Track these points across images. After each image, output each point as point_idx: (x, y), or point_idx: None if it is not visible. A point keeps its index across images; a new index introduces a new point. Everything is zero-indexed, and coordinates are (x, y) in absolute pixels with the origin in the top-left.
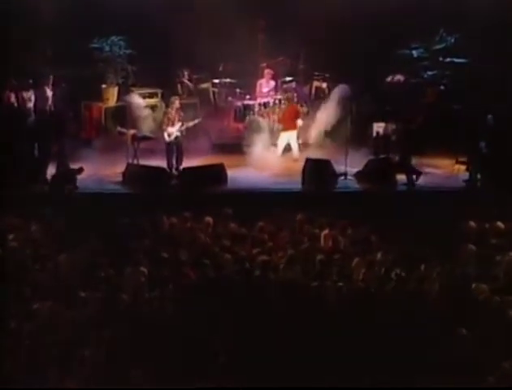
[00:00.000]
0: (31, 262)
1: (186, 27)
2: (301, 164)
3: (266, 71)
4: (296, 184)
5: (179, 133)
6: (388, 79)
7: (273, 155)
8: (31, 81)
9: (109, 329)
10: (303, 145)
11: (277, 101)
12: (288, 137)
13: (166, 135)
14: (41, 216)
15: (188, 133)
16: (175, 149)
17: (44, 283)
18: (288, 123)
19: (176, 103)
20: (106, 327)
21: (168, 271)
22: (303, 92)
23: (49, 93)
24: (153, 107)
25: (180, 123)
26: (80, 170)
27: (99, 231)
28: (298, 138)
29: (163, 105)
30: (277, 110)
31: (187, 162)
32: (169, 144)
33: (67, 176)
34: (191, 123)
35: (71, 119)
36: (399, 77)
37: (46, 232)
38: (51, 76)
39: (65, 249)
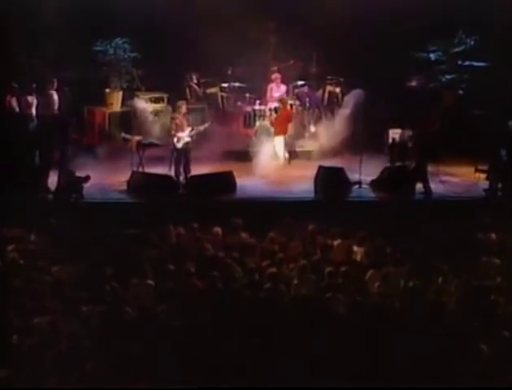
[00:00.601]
0: (32, 274)
1: (193, 29)
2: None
3: (277, 74)
4: (299, 192)
5: (189, 138)
6: (405, 83)
7: (277, 162)
8: (33, 85)
9: (113, 344)
10: (320, 153)
11: (289, 107)
12: (277, 142)
13: (175, 140)
14: (43, 226)
15: (196, 139)
16: (182, 156)
17: (45, 296)
18: (280, 128)
19: (183, 108)
20: (111, 341)
21: (175, 284)
22: (316, 97)
23: (52, 97)
24: (159, 112)
25: (189, 128)
26: (87, 178)
27: (103, 242)
28: (286, 144)
29: (170, 110)
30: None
31: (194, 170)
32: (178, 150)
33: (73, 185)
34: (201, 128)
35: (74, 125)
36: (416, 81)
37: (48, 243)
38: (55, 80)
39: (68, 260)
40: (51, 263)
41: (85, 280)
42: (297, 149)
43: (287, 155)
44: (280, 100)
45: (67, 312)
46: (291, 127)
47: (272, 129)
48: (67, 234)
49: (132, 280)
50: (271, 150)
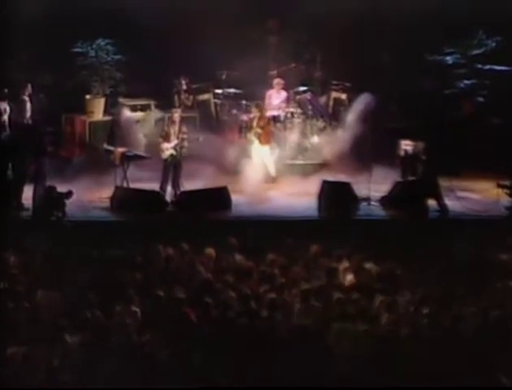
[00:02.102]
0: (6, 300)
1: (184, 28)
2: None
3: (277, 79)
4: (301, 210)
5: (174, 151)
6: (418, 89)
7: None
8: (5, 90)
9: (95, 377)
10: (324, 166)
11: (289, 115)
12: (262, 153)
13: (160, 151)
14: (18, 247)
15: (182, 152)
16: (171, 170)
17: (21, 325)
18: (265, 137)
19: (174, 116)
20: (93, 374)
21: (164, 311)
22: (319, 104)
23: (26, 104)
24: (145, 121)
25: (176, 140)
26: (70, 194)
27: (83, 266)
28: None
29: (157, 118)
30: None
31: (185, 185)
32: (164, 162)
33: (55, 201)
34: (185, 143)
35: (51, 135)
36: (431, 87)
37: (24, 266)
38: (29, 85)
39: (45, 285)
40: (28, 288)
41: (64, 307)
42: (299, 162)
43: (273, 169)
44: (256, 105)
45: (45, 341)
46: (278, 138)
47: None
48: (44, 256)
49: (115, 307)
50: (263, 164)
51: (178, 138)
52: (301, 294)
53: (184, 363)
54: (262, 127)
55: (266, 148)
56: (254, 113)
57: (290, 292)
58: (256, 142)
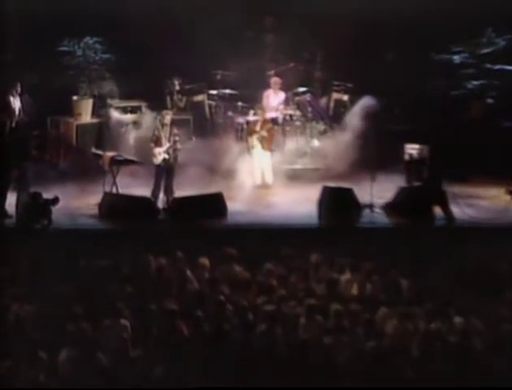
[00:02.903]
0: None
1: (177, 26)
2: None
3: (275, 80)
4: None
5: (166, 155)
6: (424, 90)
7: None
8: None
9: None
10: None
11: (288, 118)
12: (263, 159)
13: (152, 156)
14: (0, 257)
15: (175, 156)
16: (163, 175)
17: (4, 339)
18: (268, 142)
19: (166, 118)
20: None
21: (155, 325)
22: (319, 105)
23: (10, 105)
24: (135, 124)
25: (168, 143)
26: (56, 200)
27: (71, 276)
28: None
29: (148, 120)
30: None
31: (178, 191)
32: (156, 167)
33: (40, 208)
34: (179, 146)
35: (36, 138)
36: (437, 88)
37: (7, 277)
38: (18, 84)
39: (30, 297)
40: (11, 300)
41: (50, 320)
42: (298, 167)
43: (270, 176)
44: (260, 108)
45: (29, 357)
46: (276, 142)
47: (259, 145)
48: (29, 266)
49: (104, 321)
50: (260, 169)
51: (170, 141)
52: (301, 306)
53: (177, 380)
54: (267, 131)
55: (267, 153)
56: (258, 116)
57: (289, 304)
58: (258, 147)
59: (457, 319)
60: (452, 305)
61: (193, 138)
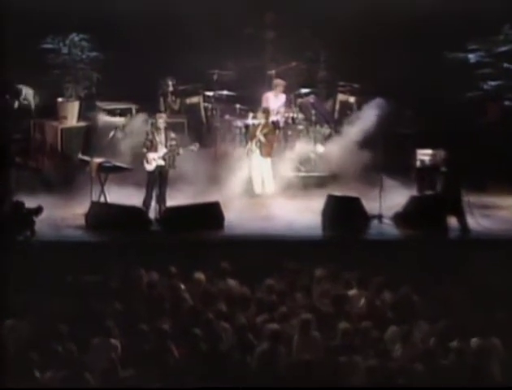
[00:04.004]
0: None
1: (170, 22)
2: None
3: (276, 80)
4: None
5: (162, 161)
6: (437, 91)
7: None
8: None
9: None
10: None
11: (290, 121)
12: (262, 166)
13: (145, 162)
14: None
15: (172, 163)
16: (156, 183)
17: None
18: (267, 149)
19: (160, 122)
20: None
21: (147, 345)
22: (324, 108)
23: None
24: (126, 128)
25: (165, 149)
26: (39, 210)
27: (56, 292)
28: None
29: (139, 124)
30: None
31: (171, 200)
32: (149, 174)
33: (23, 218)
34: (180, 151)
35: (18, 143)
36: (450, 89)
37: None
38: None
39: (12, 314)
40: None
41: (34, 339)
42: (301, 175)
43: (269, 183)
44: (263, 111)
45: (12, 379)
46: (277, 147)
47: (258, 150)
48: (10, 281)
49: (92, 340)
50: (259, 177)
51: (166, 146)
52: (304, 324)
53: None
54: (265, 136)
55: (266, 160)
56: (258, 119)
57: (291, 322)
58: (257, 153)
59: (474, 339)
60: (468, 323)
61: (194, 147)
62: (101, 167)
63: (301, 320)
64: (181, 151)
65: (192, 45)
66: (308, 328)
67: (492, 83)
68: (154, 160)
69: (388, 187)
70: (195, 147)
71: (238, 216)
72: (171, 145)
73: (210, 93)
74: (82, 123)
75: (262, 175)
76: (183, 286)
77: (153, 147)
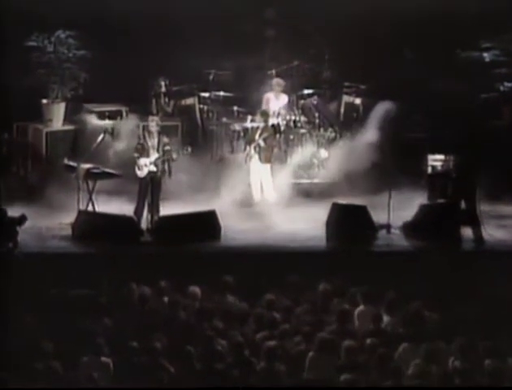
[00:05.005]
0: None
1: (163, 18)
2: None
3: (277, 81)
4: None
5: (154, 167)
6: (450, 93)
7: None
8: None
9: None
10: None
11: (291, 124)
12: (261, 172)
13: (136, 168)
14: None
15: (163, 169)
16: (147, 190)
17: None
18: (266, 154)
19: (152, 125)
20: None
21: (139, 363)
22: (328, 110)
23: None
24: (115, 131)
25: (157, 154)
26: (23, 219)
27: (40, 307)
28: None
29: (131, 128)
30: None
31: (165, 209)
32: (140, 181)
33: (5, 228)
34: (174, 156)
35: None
36: (464, 90)
37: None
38: None
39: None
40: None
41: (16, 357)
42: (303, 182)
43: (269, 190)
44: (262, 114)
45: None
46: (278, 152)
47: (257, 155)
48: None
49: (81, 358)
50: (259, 184)
51: (159, 151)
52: (307, 342)
53: None
54: (264, 140)
55: (265, 166)
56: (258, 122)
57: (293, 339)
58: (256, 158)
59: (489, 358)
60: (482, 339)
61: (189, 149)
62: (89, 174)
63: (307, 337)
64: (174, 156)
65: (186, 43)
66: (314, 346)
67: (508, 84)
68: (146, 166)
69: (397, 195)
70: (188, 151)
71: (236, 226)
72: (163, 150)
73: (206, 94)
74: (69, 127)
75: (261, 182)
76: (176, 301)
77: (144, 152)
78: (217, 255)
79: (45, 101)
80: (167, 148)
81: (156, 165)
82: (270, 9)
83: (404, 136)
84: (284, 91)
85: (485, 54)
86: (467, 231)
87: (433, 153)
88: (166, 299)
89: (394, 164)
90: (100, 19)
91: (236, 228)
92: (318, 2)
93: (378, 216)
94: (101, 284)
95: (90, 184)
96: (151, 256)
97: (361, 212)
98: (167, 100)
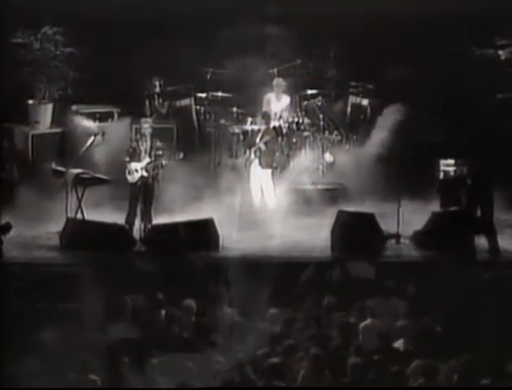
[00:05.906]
0: None
1: (158, 14)
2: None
3: (278, 81)
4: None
5: (145, 172)
6: (463, 94)
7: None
8: None
9: None
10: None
11: (294, 126)
12: (261, 177)
13: (127, 173)
14: None
15: (156, 174)
16: (139, 197)
17: None
18: (267, 158)
19: (145, 127)
20: None
21: (131, 380)
22: (333, 112)
23: None
24: (106, 134)
25: (148, 158)
26: (7, 227)
27: (26, 321)
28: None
29: (122, 130)
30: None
31: (158, 217)
32: (133, 187)
33: None
34: (163, 162)
35: None
36: (479, 91)
37: None
38: None
39: None
40: None
41: (3, 375)
42: (307, 188)
43: (270, 197)
44: (263, 116)
45: None
46: (280, 157)
47: (258, 160)
48: None
49: (68, 375)
50: (259, 190)
51: (151, 156)
52: (310, 358)
53: None
54: (265, 143)
55: (266, 171)
56: (259, 124)
57: (296, 355)
58: (256, 162)
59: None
60: (497, 356)
61: (181, 155)
62: (78, 179)
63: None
64: (164, 161)
65: (182, 41)
66: (318, 362)
67: None
68: (137, 171)
69: (407, 202)
70: (181, 155)
71: (235, 235)
72: (155, 155)
73: (203, 95)
74: (56, 129)
75: (262, 188)
76: (171, 314)
77: (136, 156)
78: (215, 266)
79: (31, 101)
80: (159, 152)
81: (147, 170)
82: (271, 5)
83: (414, 139)
84: (286, 91)
85: (500, 52)
86: (482, 241)
87: (445, 157)
88: (160, 312)
89: (404, 169)
90: (89, 14)
91: (235, 237)
92: None
93: (386, 225)
94: (90, 297)
95: (79, 190)
96: (144, 267)
97: (368, 220)
98: (161, 101)
